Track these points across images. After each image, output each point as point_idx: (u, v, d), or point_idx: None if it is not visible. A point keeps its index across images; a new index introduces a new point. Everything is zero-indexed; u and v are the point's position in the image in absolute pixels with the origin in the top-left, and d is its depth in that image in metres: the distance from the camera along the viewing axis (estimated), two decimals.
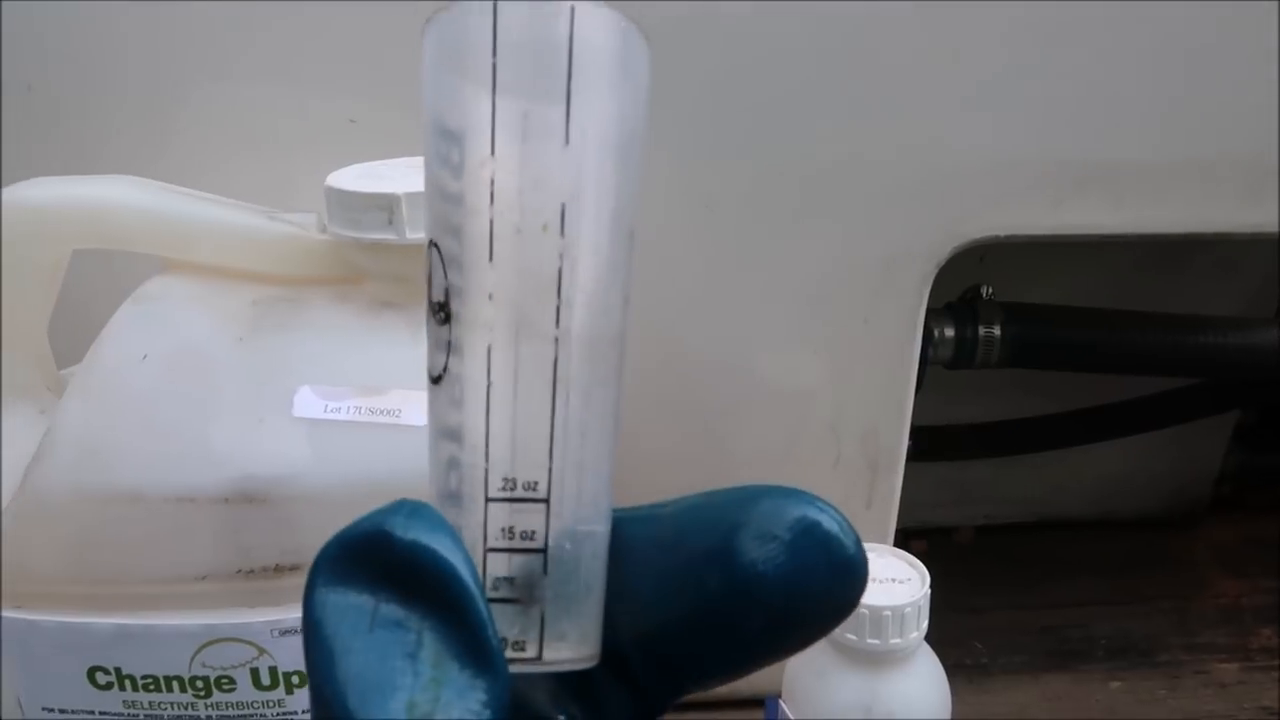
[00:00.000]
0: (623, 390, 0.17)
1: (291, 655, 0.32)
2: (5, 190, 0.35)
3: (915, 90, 0.46)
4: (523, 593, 0.16)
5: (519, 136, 0.15)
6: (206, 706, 0.33)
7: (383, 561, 0.14)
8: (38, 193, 0.35)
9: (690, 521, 0.16)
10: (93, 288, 0.37)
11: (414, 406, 0.32)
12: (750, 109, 0.46)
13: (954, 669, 0.43)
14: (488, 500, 0.16)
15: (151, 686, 0.32)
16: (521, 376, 0.15)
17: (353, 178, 0.35)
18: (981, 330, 0.57)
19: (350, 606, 0.14)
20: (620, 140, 0.16)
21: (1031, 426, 0.69)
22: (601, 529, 0.16)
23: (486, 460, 0.16)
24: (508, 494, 0.16)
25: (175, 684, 0.32)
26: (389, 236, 0.33)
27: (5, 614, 0.32)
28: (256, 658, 0.32)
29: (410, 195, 0.33)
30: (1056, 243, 0.50)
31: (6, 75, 0.44)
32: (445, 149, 0.15)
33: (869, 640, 0.41)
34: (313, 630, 0.14)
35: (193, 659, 0.32)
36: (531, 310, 0.15)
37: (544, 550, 0.16)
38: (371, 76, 0.45)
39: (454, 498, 0.16)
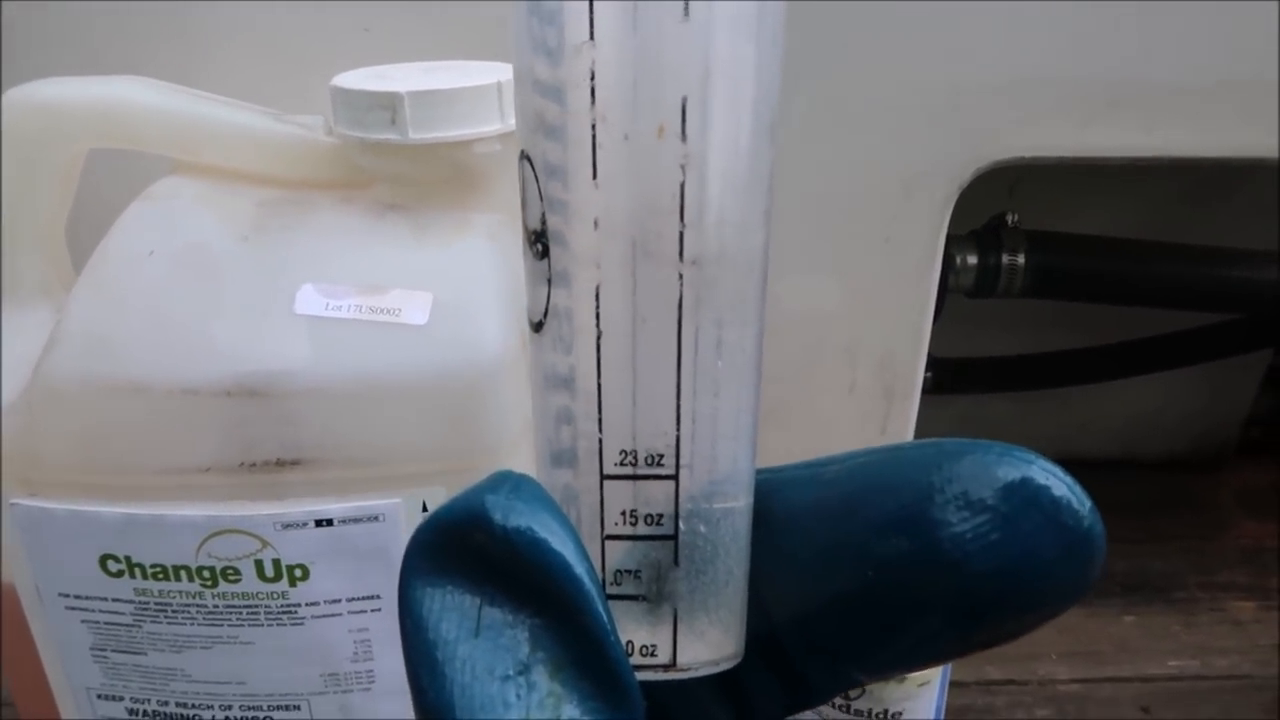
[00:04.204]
0: (763, 328, 0.13)
1: (294, 549, 0.33)
2: (17, 89, 0.35)
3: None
4: (650, 588, 0.13)
5: (625, 7, 0.11)
6: (213, 596, 0.34)
7: (484, 550, 0.12)
8: (51, 90, 0.35)
9: (864, 484, 0.13)
10: (108, 193, 0.38)
11: (414, 306, 0.32)
12: None
13: None
14: (603, 477, 0.13)
15: (160, 575, 0.33)
16: (640, 322, 0.13)
17: (359, 79, 0.35)
18: (1005, 258, 0.56)
19: (451, 605, 0.12)
20: (760, 6, 0.12)
21: (1055, 361, 0.68)
22: (743, 503, 0.14)
23: (600, 428, 0.13)
24: (628, 469, 0.13)
25: (183, 573, 0.33)
26: (392, 136, 0.33)
27: (19, 501, 0.33)
28: (260, 550, 0.33)
29: (414, 94, 0.33)
30: (1086, 167, 0.49)
31: None
32: (538, 28, 0.12)
33: None
34: (410, 630, 0.12)
35: (199, 549, 0.33)
36: (648, 238, 0.12)
37: (674, 536, 0.13)
38: None
39: (568, 467, 0.13)
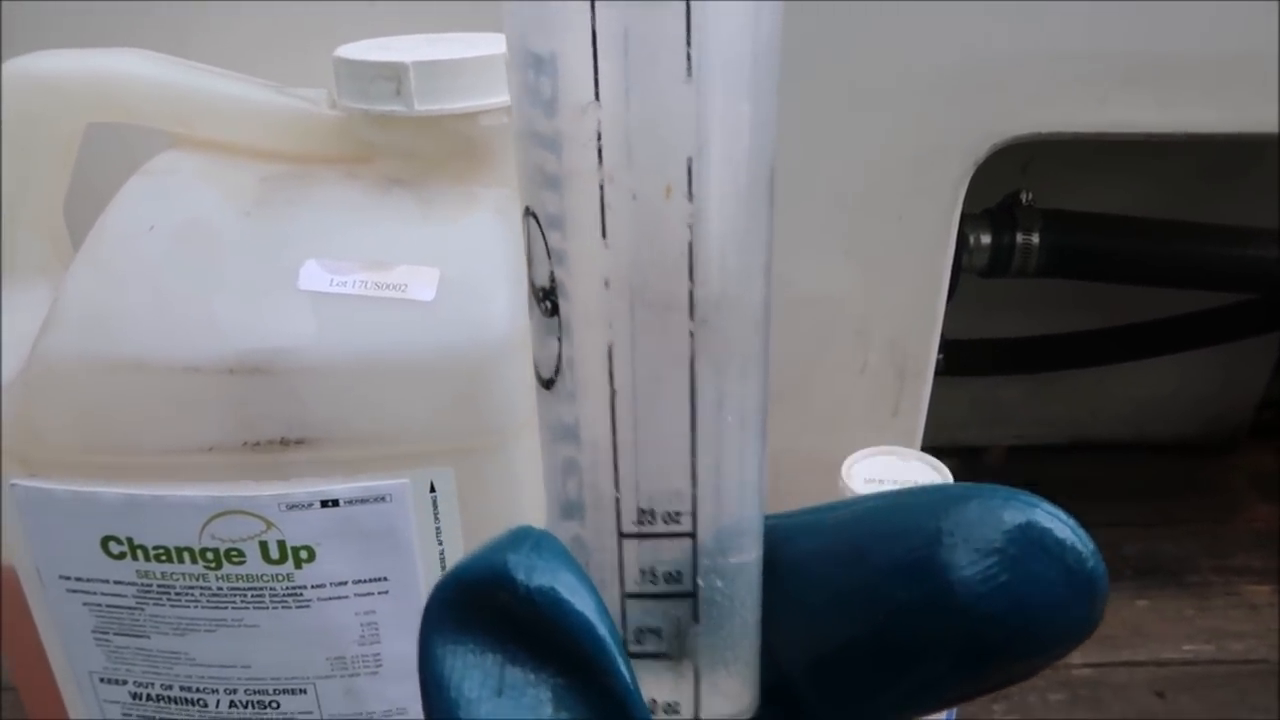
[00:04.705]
0: (768, 376, 0.13)
1: (299, 530, 0.32)
2: (13, 62, 0.34)
3: None
4: (671, 645, 0.14)
5: (627, 68, 0.11)
6: (217, 578, 0.33)
7: (506, 608, 0.12)
8: (47, 64, 0.34)
9: (872, 529, 0.13)
10: (107, 168, 0.37)
11: (420, 282, 0.31)
12: None
13: None
14: (621, 536, 0.13)
15: (163, 557, 0.33)
16: (652, 380, 0.13)
17: (363, 50, 0.34)
18: (1020, 237, 0.55)
19: (473, 663, 0.12)
20: (755, 59, 0.12)
21: (1067, 343, 0.68)
22: (755, 555, 0.14)
23: (616, 487, 0.13)
24: (645, 528, 0.13)
25: (186, 555, 0.33)
26: (397, 108, 0.32)
27: (19, 482, 0.32)
28: (264, 531, 0.32)
29: (419, 65, 0.32)
30: (1100, 144, 0.48)
31: None
32: (534, 80, 0.12)
33: None
34: (432, 688, 0.12)
35: (202, 530, 0.32)
36: (659, 296, 0.12)
37: (693, 593, 0.13)
38: None
39: (579, 524, 0.13)
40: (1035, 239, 0.56)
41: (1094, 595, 0.13)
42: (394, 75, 0.32)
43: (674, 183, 0.12)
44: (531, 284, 0.13)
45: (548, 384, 0.13)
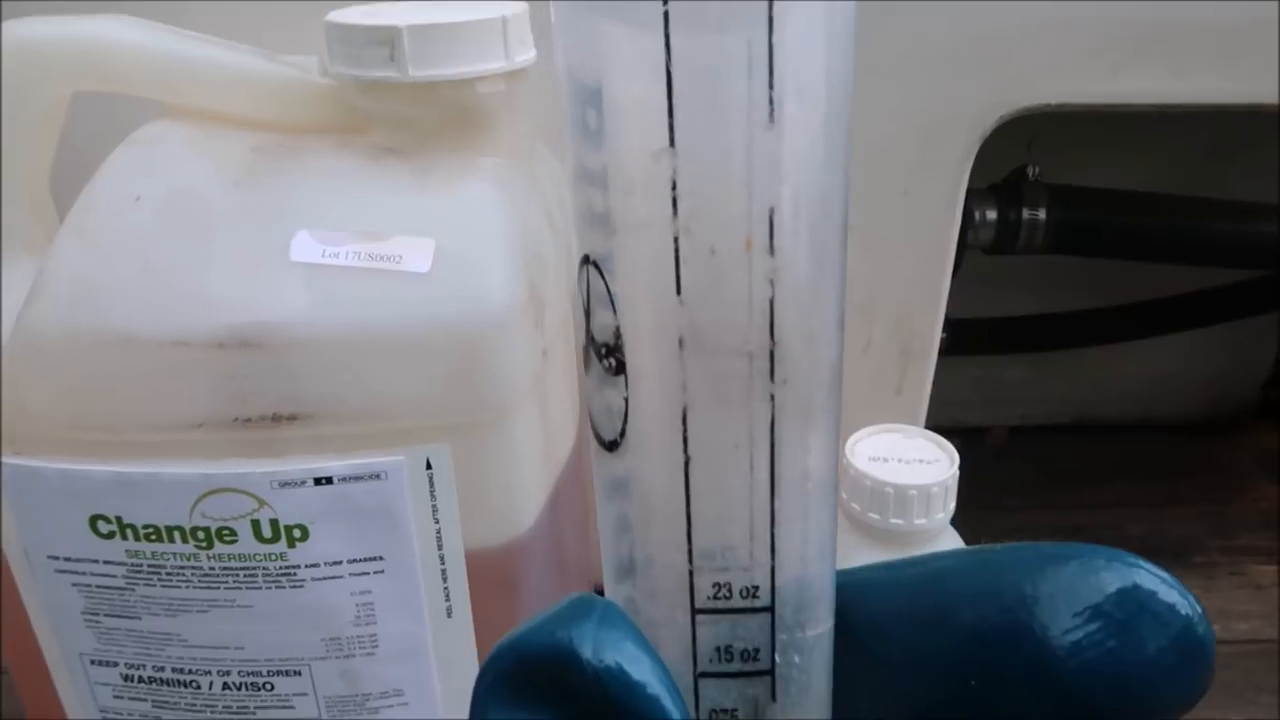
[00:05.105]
0: (839, 435, 0.13)
1: (292, 508, 0.31)
2: None
3: None
4: None
5: (705, 111, 0.10)
6: (209, 558, 0.32)
7: (568, 685, 0.11)
8: (31, 30, 0.33)
9: (958, 588, 0.13)
10: (93, 139, 0.36)
11: (415, 253, 0.30)
12: None
13: None
14: (695, 611, 0.12)
15: (153, 536, 0.32)
16: (729, 446, 0.12)
17: (355, 14, 0.33)
18: (1026, 213, 0.54)
19: None
20: (831, 102, 0.11)
21: (1071, 322, 0.67)
22: (829, 625, 0.13)
23: (690, 560, 0.12)
24: (722, 603, 0.12)
25: (177, 534, 0.32)
26: (390, 74, 0.31)
27: (5, 460, 0.32)
28: (257, 509, 0.31)
29: (413, 29, 0.31)
30: (1107, 118, 0.47)
31: None
32: (592, 121, 0.11)
33: (893, 520, 0.39)
34: None
35: (193, 509, 0.31)
36: (738, 358, 0.11)
37: (771, 671, 0.13)
38: None
39: (644, 594, 0.13)
40: (1041, 215, 0.55)
41: (1205, 663, 0.12)
42: (387, 40, 0.31)
43: (755, 235, 0.11)
44: (591, 339, 0.12)
45: (610, 446, 0.12)
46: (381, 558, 0.33)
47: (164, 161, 0.33)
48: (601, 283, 0.12)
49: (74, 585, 0.33)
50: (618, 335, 0.12)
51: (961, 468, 0.40)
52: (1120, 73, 0.45)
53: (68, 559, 0.33)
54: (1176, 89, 0.45)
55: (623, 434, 0.12)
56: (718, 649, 0.12)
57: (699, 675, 0.13)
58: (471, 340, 0.31)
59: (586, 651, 0.11)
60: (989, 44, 0.44)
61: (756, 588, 0.12)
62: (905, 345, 0.52)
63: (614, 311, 0.12)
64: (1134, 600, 0.12)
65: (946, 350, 0.53)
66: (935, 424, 0.56)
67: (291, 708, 0.35)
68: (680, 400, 0.12)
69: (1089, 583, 0.12)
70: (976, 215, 0.55)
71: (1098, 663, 0.12)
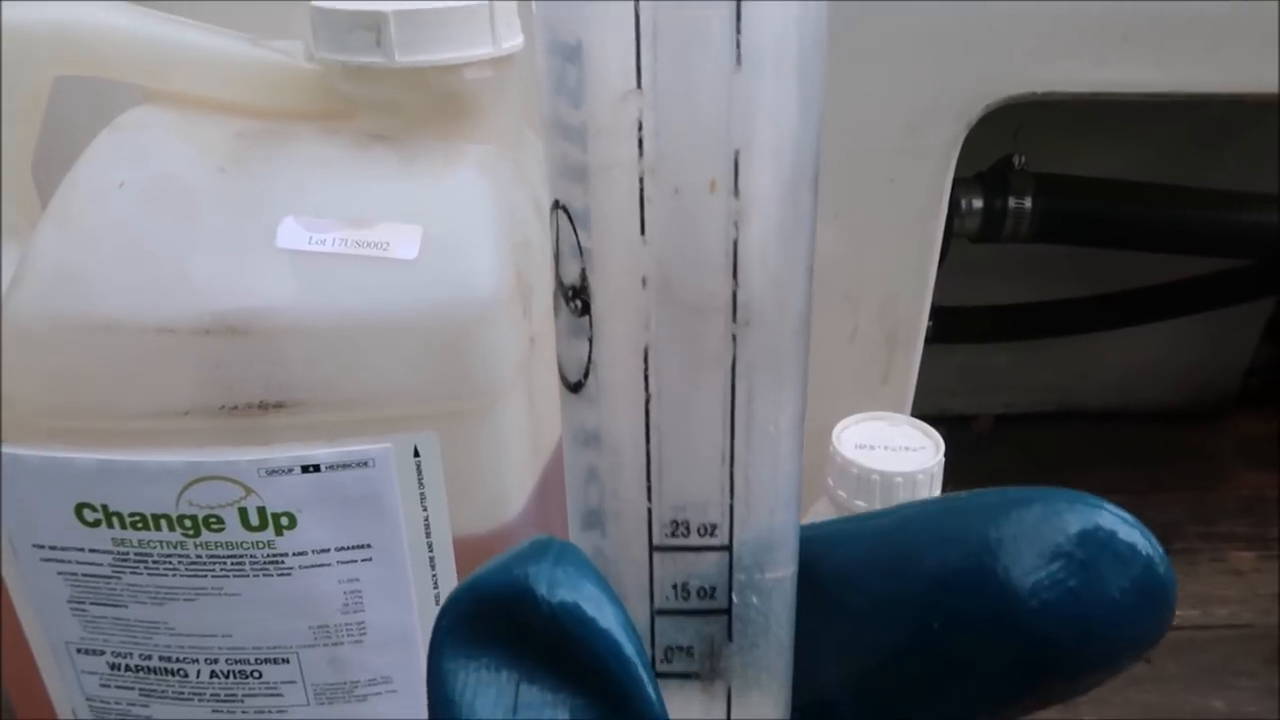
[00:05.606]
0: (806, 384, 0.13)
1: (280, 496, 0.31)
2: None
3: None
4: (703, 665, 0.13)
5: (673, 53, 0.11)
6: (196, 546, 0.32)
7: (525, 624, 0.12)
8: (12, 13, 0.33)
9: (921, 536, 0.13)
10: (76, 124, 0.35)
11: (402, 240, 0.30)
12: None
13: None
14: (653, 548, 0.13)
15: (139, 524, 0.32)
16: (689, 385, 0.12)
17: (341, 1, 0.32)
18: (1012, 201, 0.55)
19: (487, 681, 0.12)
20: (803, 50, 0.11)
21: (1055, 310, 0.67)
22: (791, 570, 0.13)
23: (649, 497, 0.12)
24: (679, 540, 0.12)
25: (163, 522, 0.32)
26: (377, 59, 0.31)
27: None
28: (244, 497, 0.31)
29: (400, 14, 0.31)
30: (1093, 108, 0.47)
31: None
32: (564, 68, 0.11)
33: (879, 507, 0.40)
34: (440, 706, 0.12)
35: (179, 497, 0.31)
36: (700, 297, 0.12)
37: (728, 610, 0.13)
38: None
39: (605, 533, 0.13)
40: (1027, 203, 0.55)
41: (1165, 603, 0.12)
42: (373, 25, 0.31)
43: (719, 177, 0.11)
44: (559, 282, 0.12)
45: (575, 387, 0.12)
46: (369, 545, 0.33)
47: (148, 147, 0.33)
48: (570, 226, 0.12)
49: (60, 574, 0.33)
50: (584, 277, 0.12)
51: (947, 455, 0.40)
52: (1105, 62, 0.45)
53: (53, 547, 0.33)
54: (1161, 78, 0.46)
55: (587, 374, 0.12)
56: (675, 586, 0.13)
57: (656, 612, 0.13)
58: (459, 327, 0.31)
59: (542, 589, 0.11)
60: (975, 33, 0.44)
61: (714, 526, 0.12)
62: (891, 333, 0.52)
63: (581, 254, 0.12)
64: (1095, 540, 0.12)
65: (932, 338, 0.53)
66: (921, 412, 0.56)
67: (280, 695, 0.35)
68: (643, 339, 0.12)
69: (1051, 524, 0.12)
70: (963, 204, 0.55)
71: (1059, 602, 0.12)
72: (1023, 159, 0.56)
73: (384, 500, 0.32)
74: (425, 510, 0.33)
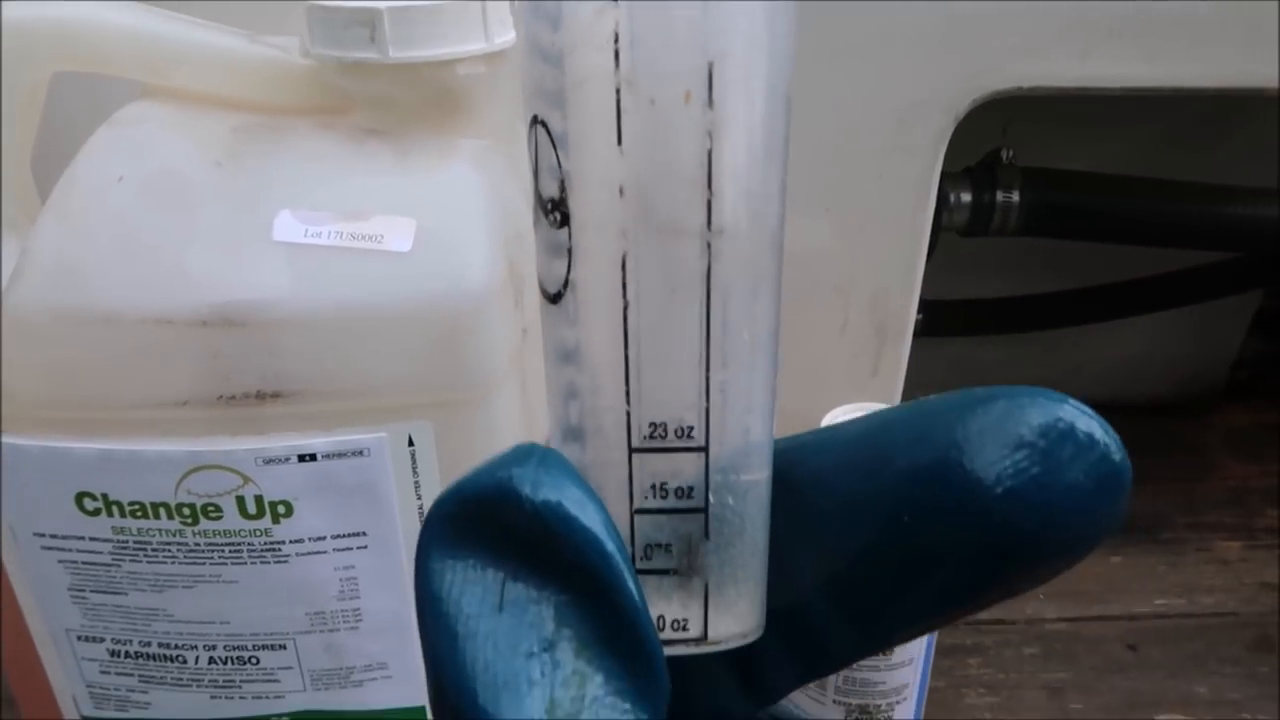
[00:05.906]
0: (780, 297, 0.13)
1: (277, 484, 0.32)
2: None
3: None
4: (681, 561, 0.13)
5: None
6: (194, 534, 0.33)
7: (509, 524, 0.12)
8: (10, 10, 0.33)
9: (892, 437, 0.13)
10: (75, 120, 0.36)
11: (397, 233, 0.31)
12: None
13: None
14: (632, 450, 0.13)
15: (139, 513, 0.32)
16: (666, 294, 0.12)
17: None
18: (1000, 195, 0.55)
19: (473, 578, 0.12)
20: None
21: (1042, 303, 0.68)
22: (765, 474, 0.14)
23: (628, 401, 0.13)
24: (657, 442, 0.13)
25: (162, 511, 0.32)
26: (371, 55, 0.32)
27: None
28: (242, 486, 0.32)
29: (394, 10, 0.31)
30: (1081, 102, 0.47)
31: None
32: None
33: None
34: (429, 604, 0.12)
35: (178, 486, 0.32)
36: (675, 206, 0.12)
37: (704, 509, 0.13)
38: None
39: (585, 443, 0.13)
40: (1015, 197, 0.56)
41: (1121, 489, 0.13)
42: (368, 21, 0.31)
43: (694, 89, 0.12)
44: (538, 196, 0.13)
45: (554, 298, 0.13)
46: (365, 533, 0.33)
47: (146, 142, 0.33)
48: (549, 140, 0.12)
49: (60, 562, 0.34)
50: (563, 188, 0.12)
51: None
52: (1091, 57, 0.46)
53: (54, 536, 0.33)
54: (1147, 73, 0.46)
55: (566, 283, 0.13)
56: (653, 486, 0.13)
57: (635, 511, 0.13)
58: (452, 318, 0.31)
59: (526, 489, 0.12)
60: (962, 28, 0.45)
61: (691, 428, 0.13)
62: (881, 326, 0.53)
63: (559, 166, 0.12)
64: (1056, 431, 0.12)
65: (921, 331, 0.54)
66: None
67: (277, 681, 0.35)
68: (620, 247, 0.12)
69: (1015, 418, 0.12)
70: (951, 198, 0.55)
71: (1022, 490, 0.12)
72: (1010, 153, 0.57)
73: (379, 489, 0.33)
74: (419, 498, 0.33)
